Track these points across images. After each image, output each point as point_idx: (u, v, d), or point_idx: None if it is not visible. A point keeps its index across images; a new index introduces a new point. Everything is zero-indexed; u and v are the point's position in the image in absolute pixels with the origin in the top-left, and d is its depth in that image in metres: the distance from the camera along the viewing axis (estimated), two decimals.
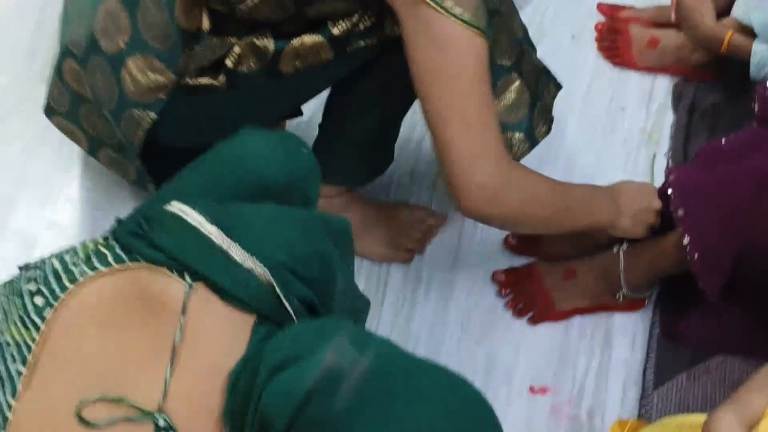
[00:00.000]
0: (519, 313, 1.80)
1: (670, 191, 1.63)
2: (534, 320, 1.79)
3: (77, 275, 1.10)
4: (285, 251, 1.11)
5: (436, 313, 1.80)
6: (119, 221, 1.19)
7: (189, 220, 1.12)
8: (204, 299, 1.08)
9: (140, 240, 1.12)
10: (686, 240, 1.60)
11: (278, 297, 1.09)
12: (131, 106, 1.41)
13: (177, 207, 1.15)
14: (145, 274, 1.09)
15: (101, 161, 1.63)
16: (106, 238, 1.15)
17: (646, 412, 1.71)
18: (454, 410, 0.92)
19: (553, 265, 1.80)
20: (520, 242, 1.86)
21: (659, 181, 1.92)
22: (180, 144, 1.45)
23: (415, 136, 1.91)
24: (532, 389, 1.74)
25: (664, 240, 1.68)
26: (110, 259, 1.11)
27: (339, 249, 1.19)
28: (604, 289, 1.77)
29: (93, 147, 1.60)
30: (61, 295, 1.08)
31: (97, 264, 1.11)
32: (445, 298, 1.82)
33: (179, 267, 1.09)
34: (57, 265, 1.12)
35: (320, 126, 1.68)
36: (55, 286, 1.09)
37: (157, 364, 1.03)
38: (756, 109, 1.76)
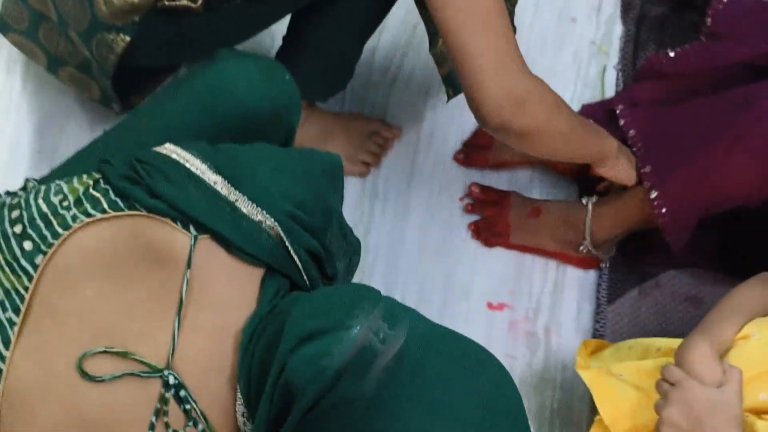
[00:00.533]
0: (476, 236, 1.80)
1: (633, 147, 1.65)
2: (488, 243, 1.80)
3: (69, 220, 1.04)
4: (290, 201, 1.08)
5: (394, 227, 1.80)
6: (106, 161, 1.12)
7: (191, 168, 1.07)
8: (210, 252, 1.04)
9: (137, 186, 1.06)
10: (654, 194, 1.62)
11: (287, 249, 1.06)
12: (103, 29, 1.32)
13: (174, 151, 1.09)
14: (145, 224, 1.05)
15: (61, 79, 1.54)
16: (96, 180, 1.09)
17: (600, 328, 1.75)
18: (485, 393, 0.92)
19: (524, 201, 1.80)
20: (467, 155, 1.86)
21: (609, 94, 1.94)
22: (151, 65, 1.38)
23: (369, 46, 1.86)
24: (489, 305, 1.76)
25: (630, 194, 1.68)
26: (105, 204, 1.06)
27: (335, 190, 1.16)
28: (563, 237, 1.77)
29: (52, 65, 1.51)
30: (54, 242, 1.03)
31: (90, 209, 1.05)
32: (403, 212, 1.81)
33: (183, 218, 1.05)
34: (44, 207, 1.06)
35: (285, 39, 1.62)
36: (45, 231, 1.04)
37: (163, 319, 1.00)
38: (708, 22, 1.77)
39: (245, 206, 1.06)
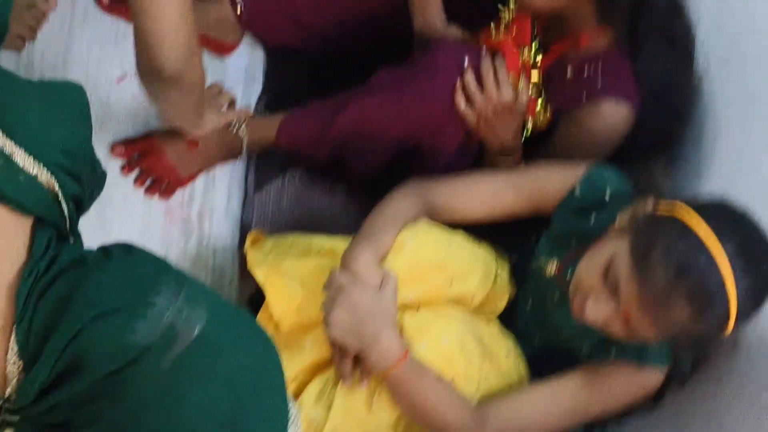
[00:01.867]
0: (149, 191, 1.80)
1: None
2: (164, 195, 1.81)
3: None
4: (57, 148, 1.05)
5: None
6: None
7: None
8: None
9: None
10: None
11: (58, 201, 1.04)
12: None
13: None
14: None
15: None
16: None
17: (248, 214, 1.87)
18: (264, 371, 1.03)
19: (171, 136, 1.80)
20: (112, 2, 1.84)
21: None
22: None
23: None
24: (148, 191, 1.79)
25: (276, 122, 1.82)
26: None
27: (84, 125, 1.14)
28: (225, 155, 1.85)
29: None
30: None
31: None
32: None
33: None
34: None
35: None
36: None
37: None
38: None
39: (21, 159, 1.01)
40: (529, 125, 1.80)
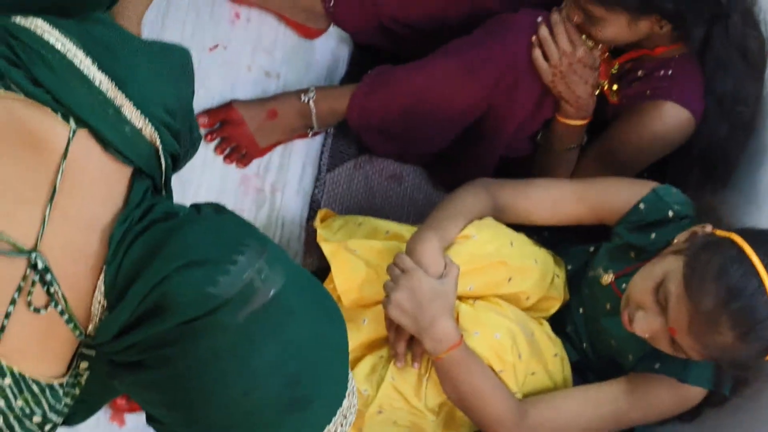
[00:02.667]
0: (228, 159, 1.87)
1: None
2: (243, 163, 1.88)
3: None
4: (162, 106, 1.10)
5: None
6: None
7: (74, 60, 1.05)
8: (86, 146, 1.05)
9: (17, 69, 1.03)
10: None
11: (158, 156, 1.10)
12: None
13: (49, 32, 1.05)
14: (22, 107, 1.03)
15: None
16: None
17: (318, 193, 1.93)
18: (333, 339, 1.08)
19: (252, 106, 1.87)
20: None
21: None
22: None
23: None
24: (227, 159, 1.86)
25: (346, 93, 1.87)
26: None
27: (188, 86, 1.20)
28: (299, 127, 1.91)
29: None
30: None
31: None
32: None
33: (65, 111, 1.04)
34: None
35: None
36: None
37: (33, 203, 1.01)
38: None
39: (129, 111, 1.07)
40: (604, 84, 1.85)
